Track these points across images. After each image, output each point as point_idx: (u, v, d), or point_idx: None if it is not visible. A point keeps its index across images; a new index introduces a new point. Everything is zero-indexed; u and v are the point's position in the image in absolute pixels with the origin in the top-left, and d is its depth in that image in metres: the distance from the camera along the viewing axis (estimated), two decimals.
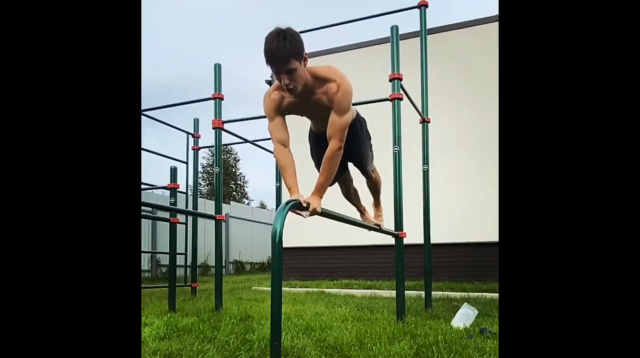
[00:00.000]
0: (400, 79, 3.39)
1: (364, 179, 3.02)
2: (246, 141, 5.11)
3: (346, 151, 2.32)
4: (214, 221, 4.15)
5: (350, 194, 3.11)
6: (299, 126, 2.69)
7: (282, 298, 1.71)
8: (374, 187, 3.12)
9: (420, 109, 4.12)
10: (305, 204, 2.02)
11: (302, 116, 2.45)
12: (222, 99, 4.22)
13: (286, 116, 2.32)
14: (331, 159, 2.22)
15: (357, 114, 2.64)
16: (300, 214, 2.05)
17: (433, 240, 4.24)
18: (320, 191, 2.21)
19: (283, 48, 1.94)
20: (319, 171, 2.65)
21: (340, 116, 2.19)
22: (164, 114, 8.88)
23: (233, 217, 12.90)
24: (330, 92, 2.18)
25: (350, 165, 2.88)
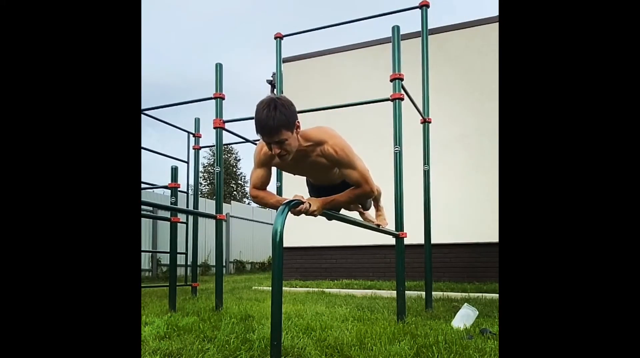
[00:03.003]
0: (401, 79, 3.39)
1: None
2: (247, 140, 5.10)
3: (346, 184, 2.32)
4: (214, 220, 4.15)
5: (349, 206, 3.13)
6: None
7: (282, 298, 1.71)
8: (375, 199, 3.14)
9: (421, 109, 4.12)
10: (306, 204, 2.02)
11: (294, 174, 2.45)
12: (223, 98, 4.22)
13: None
14: (359, 196, 2.24)
15: None
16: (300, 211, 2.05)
17: (433, 240, 4.24)
18: (330, 203, 2.20)
19: (273, 119, 1.89)
20: None
21: (354, 168, 2.18)
22: (165, 114, 8.90)
23: (234, 217, 12.90)
24: (327, 154, 2.14)
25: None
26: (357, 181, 2.20)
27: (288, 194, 2.26)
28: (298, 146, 2.07)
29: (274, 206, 2.25)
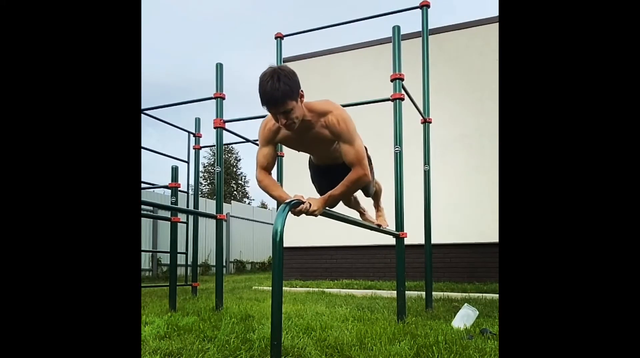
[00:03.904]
0: (402, 79, 3.39)
1: None
2: (247, 140, 5.11)
3: (347, 167, 2.32)
4: (214, 220, 4.16)
5: (350, 200, 3.12)
6: None
7: (282, 298, 1.71)
8: (375, 195, 3.14)
9: (421, 109, 4.12)
10: (306, 203, 2.02)
11: (298, 150, 2.44)
12: (224, 98, 4.22)
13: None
14: (354, 182, 2.21)
15: None
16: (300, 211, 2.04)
17: (433, 240, 4.24)
18: (329, 199, 2.20)
19: (278, 89, 1.91)
20: (319, 194, 2.65)
21: (352, 144, 2.17)
22: (166, 114, 8.89)
23: (234, 216, 12.91)
24: (330, 125, 2.15)
25: None
26: (352, 160, 2.18)
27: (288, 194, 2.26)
28: (303, 115, 2.08)
29: (276, 199, 2.25)
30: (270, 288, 1.88)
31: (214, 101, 4.22)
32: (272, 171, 2.36)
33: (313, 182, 2.82)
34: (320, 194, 2.75)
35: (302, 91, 2.03)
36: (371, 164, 2.70)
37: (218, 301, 3.97)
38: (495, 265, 6.08)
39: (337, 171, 2.38)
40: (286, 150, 4.63)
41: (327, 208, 2.22)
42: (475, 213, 6.54)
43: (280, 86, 1.91)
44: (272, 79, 1.92)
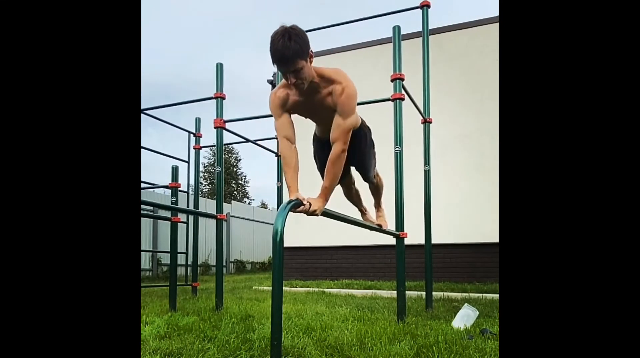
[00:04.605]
0: (402, 79, 3.39)
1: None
2: (247, 140, 5.10)
3: (349, 157, 2.32)
4: (215, 220, 4.16)
5: (352, 195, 3.12)
6: (303, 124, 2.70)
7: (282, 298, 1.71)
8: (376, 190, 3.14)
9: (422, 109, 4.12)
10: (306, 204, 2.02)
11: (305, 117, 2.46)
12: (224, 98, 4.23)
13: (292, 116, 2.32)
14: (335, 162, 2.22)
15: (363, 122, 2.64)
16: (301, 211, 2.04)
17: (434, 240, 4.24)
18: (325, 194, 2.21)
19: (289, 48, 1.95)
20: (321, 173, 2.65)
21: (344, 118, 2.19)
22: (166, 114, 8.89)
23: (234, 216, 12.91)
24: (334, 95, 2.18)
25: (353, 168, 2.89)
26: (336, 136, 2.19)
27: (289, 195, 2.26)
28: (312, 76, 2.11)
29: (287, 182, 2.24)
30: (271, 288, 1.88)
31: (214, 101, 4.22)
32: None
33: (315, 157, 2.82)
34: (319, 169, 2.75)
35: (312, 51, 2.06)
36: (373, 149, 2.74)
37: (218, 301, 3.97)
38: (495, 265, 6.08)
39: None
40: None
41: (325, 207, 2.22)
42: (476, 213, 6.53)
43: (291, 45, 1.95)
44: (284, 38, 1.95)
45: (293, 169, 2.25)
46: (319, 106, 2.27)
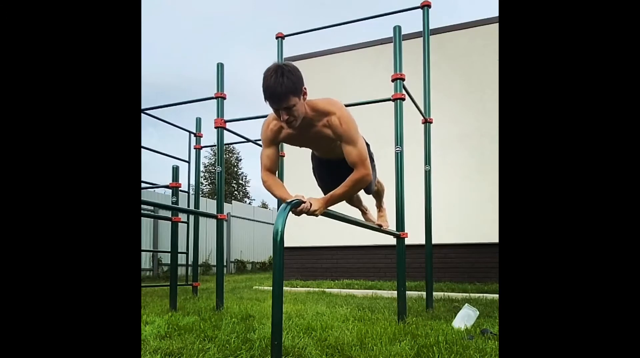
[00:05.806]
0: (403, 79, 3.39)
1: None
2: (248, 140, 5.11)
3: (350, 169, 2.32)
4: (215, 220, 4.16)
5: (352, 199, 3.12)
6: None
7: (283, 298, 1.71)
8: (377, 194, 3.15)
9: (422, 109, 4.11)
10: (307, 203, 2.02)
11: (300, 146, 2.45)
12: (225, 98, 4.23)
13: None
14: (356, 182, 2.21)
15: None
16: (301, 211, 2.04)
17: (434, 241, 4.24)
18: (330, 199, 2.20)
19: (281, 85, 1.92)
20: (322, 189, 2.63)
21: (354, 145, 2.18)
22: (166, 114, 8.90)
23: (234, 216, 12.91)
24: (333, 125, 2.16)
25: None
26: (355, 161, 2.19)
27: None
28: (305, 113, 2.09)
29: (279, 199, 2.25)
30: (271, 288, 1.87)
31: (214, 100, 4.22)
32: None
33: (314, 173, 2.81)
34: (320, 185, 2.74)
35: (305, 88, 2.04)
36: (373, 162, 2.70)
37: (218, 301, 3.97)
38: (496, 265, 6.08)
39: (339, 165, 2.38)
40: (287, 150, 4.63)
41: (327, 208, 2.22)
42: (476, 213, 6.53)
43: (283, 81, 1.92)
44: (276, 74, 1.93)
45: (279, 186, 2.27)
46: (317, 138, 2.25)
